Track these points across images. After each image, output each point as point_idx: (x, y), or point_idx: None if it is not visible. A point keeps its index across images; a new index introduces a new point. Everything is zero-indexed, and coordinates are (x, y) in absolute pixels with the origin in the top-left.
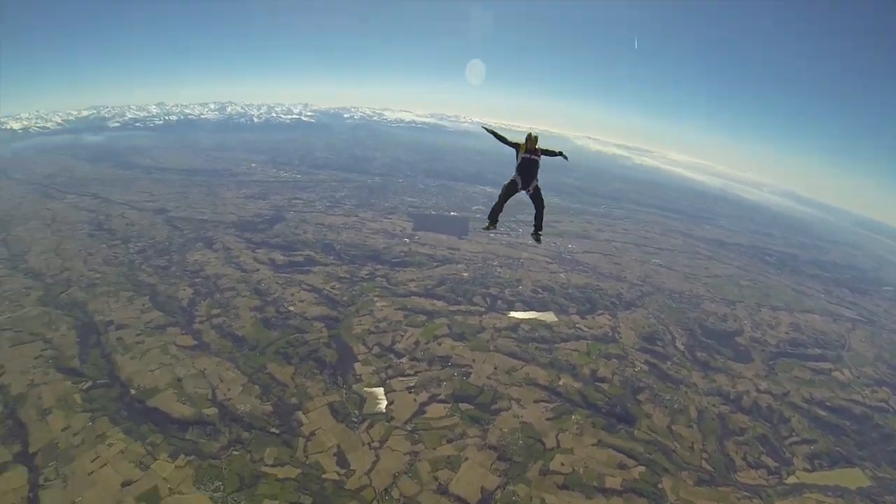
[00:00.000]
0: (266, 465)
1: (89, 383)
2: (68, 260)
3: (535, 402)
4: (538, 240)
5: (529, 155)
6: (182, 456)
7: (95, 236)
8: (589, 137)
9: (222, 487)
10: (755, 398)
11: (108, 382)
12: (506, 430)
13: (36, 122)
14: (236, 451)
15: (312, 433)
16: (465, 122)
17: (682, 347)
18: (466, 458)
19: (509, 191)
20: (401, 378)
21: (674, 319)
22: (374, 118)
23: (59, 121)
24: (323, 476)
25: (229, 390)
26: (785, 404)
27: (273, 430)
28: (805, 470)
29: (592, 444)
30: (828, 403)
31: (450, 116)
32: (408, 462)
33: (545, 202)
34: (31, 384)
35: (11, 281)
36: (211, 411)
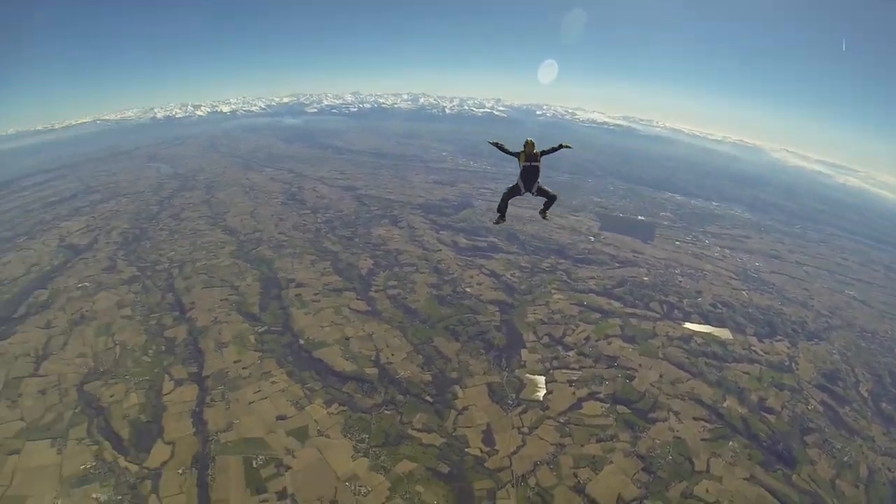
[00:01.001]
0: (413, 429)
1: (265, 328)
2: (261, 223)
3: (695, 419)
4: (544, 217)
5: (530, 163)
6: (336, 405)
7: (287, 205)
8: (787, 150)
9: (367, 439)
10: None
11: (281, 331)
12: (658, 441)
13: (242, 106)
14: (388, 410)
15: (465, 408)
16: (657, 127)
17: (865, 394)
18: (611, 462)
19: (512, 193)
20: (564, 370)
21: (861, 360)
22: (566, 117)
23: (263, 105)
24: (466, 450)
25: (393, 355)
26: None
27: (427, 398)
28: None
29: (744, 478)
30: None
31: (642, 120)
32: (552, 453)
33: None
34: (215, 321)
35: (211, 234)
36: (371, 371)
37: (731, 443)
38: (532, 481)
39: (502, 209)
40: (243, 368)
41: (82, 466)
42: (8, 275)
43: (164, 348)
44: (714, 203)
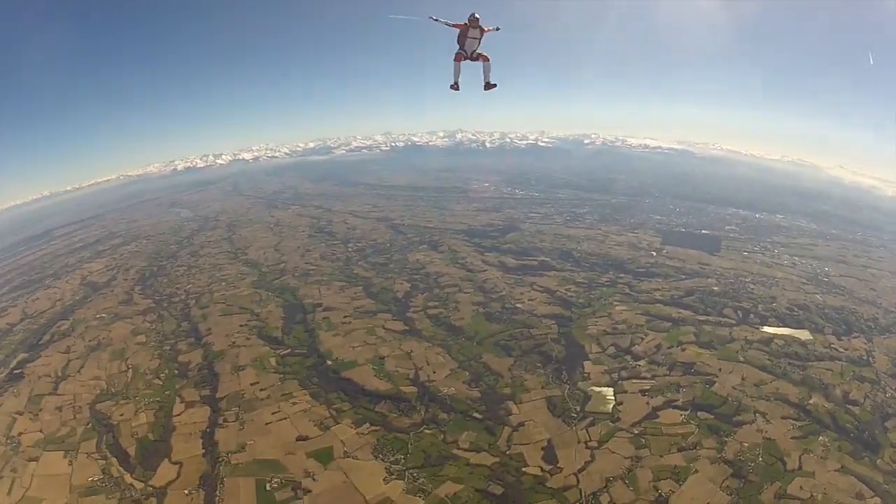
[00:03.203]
0: (459, 448)
1: (287, 351)
2: (286, 255)
3: (783, 418)
4: (487, 87)
5: (472, 36)
6: (367, 425)
7: (315, 237)
8: (842, 167)
9: (402, 460)
10: None
11: (306, 353)
12: (746, 444)
13: (266, 153)
14: (429, 429)
15: (521, 424)
16: (713, 149)
17: None
18: (696, 471)
19: (459, 58)
20: (635, 380)
21: None
22: (617, 144)
23: (287, 151)
24: (523, 469)
25: (434, 373)
26: None
27: (476, 415)
28: None
29: (835, 470)
30: None
31: (697, 143)
32: (627, 467)
33: None
34: (232, 345)
35: (230, 268)
36: (409, 389)
37: (820, 437)
38: (605, 499)
39: (457, 76)
40: (261, 390)
41: (90, 479)
42: (35, 309)
43: (176, 372)
44: (779, 216)
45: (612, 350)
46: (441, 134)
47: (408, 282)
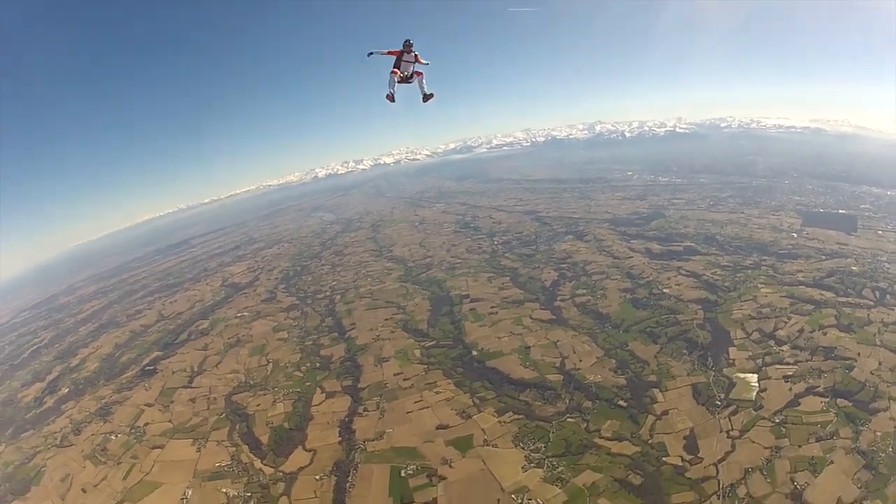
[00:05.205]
0: (601, 437)
1: (432, 343)
2: (431, 250)
3: None
4: (425, 100)
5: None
6: (510, 413)
7: (460, 233)
8: None
9: (543, 449)
10: None
11: (451, 344)
12: (879, 433)
13: (406, 156)
14: (572, 417)
15: (665, 412)
16: (844, 126)
17: None
18: (831, 462)
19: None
20: (778, 366)
21: None
22: (752, 126)
23: (428, 153)
24: (663, 459)
25: (580, 361)
26: None
27: (621, 403)
28: None
29: None
30: None
31: (828, 121)
32: (766, 457)
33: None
34: (377, 338)
35: (376, 265)
36: (555, 377)
37: None
38: (742, 491)
39: (392, 87)
40: (404, 380)
41: (217, 464)
42: (173, 311)
43: (318, 365)
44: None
45: (756, 335)
46: (580, 126)
47: (555, 271)
